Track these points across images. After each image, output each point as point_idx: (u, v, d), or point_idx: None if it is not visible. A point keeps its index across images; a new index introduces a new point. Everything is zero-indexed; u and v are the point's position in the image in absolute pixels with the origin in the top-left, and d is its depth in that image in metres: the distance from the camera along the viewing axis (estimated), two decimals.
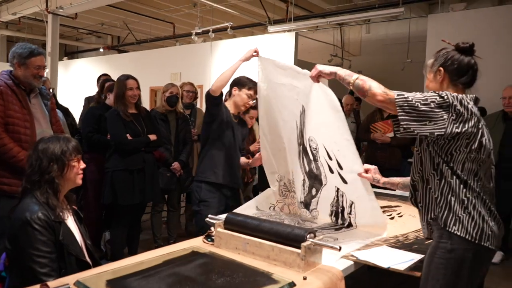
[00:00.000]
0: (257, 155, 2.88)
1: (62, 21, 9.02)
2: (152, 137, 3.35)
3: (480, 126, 1.58)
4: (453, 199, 1.57)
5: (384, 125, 4.45)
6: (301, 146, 2.41)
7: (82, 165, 1.89)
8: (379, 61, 9.20)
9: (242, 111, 2.98)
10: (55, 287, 1.33)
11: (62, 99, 8.82)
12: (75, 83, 11.26)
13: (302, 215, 2.52)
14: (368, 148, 4.87)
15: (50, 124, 2.75)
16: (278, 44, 7.31)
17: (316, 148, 2.32)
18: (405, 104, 1.55)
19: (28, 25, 10.61)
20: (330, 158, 2.25)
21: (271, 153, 2.67)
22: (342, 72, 1.83)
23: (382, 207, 2.83)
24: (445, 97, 1.55)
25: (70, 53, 14.65)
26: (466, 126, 1.53)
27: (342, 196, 2.29)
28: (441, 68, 1.69)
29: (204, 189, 2.76)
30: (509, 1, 6.31)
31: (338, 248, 1.61)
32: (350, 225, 2.30)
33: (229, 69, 2.62)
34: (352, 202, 2.24)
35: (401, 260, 1.76)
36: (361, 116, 5.92)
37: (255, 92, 2.77)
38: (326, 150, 2.25)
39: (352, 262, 1.77)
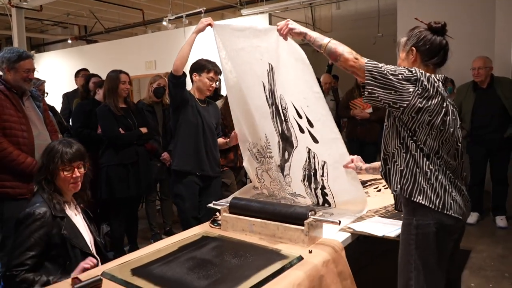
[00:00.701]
0: (232, 133, 2.81)
1: (26, 14, 8.72)
2: (144, 130, 3.42)
3: (444, 105, 1.61)
4: (417, 171, 1.62)
5: (363, 102, 4.64)
6: (273, 106, 2.34)
7: (77, 174, 1.88)
8: (351, 36, 9.29)
9: (208, 95, 2.89)
10: (86, 280, 1.44)
11: None
12: (47, 78, 10.98)
13: (282, 185, 2.48)
14: (348, 124, 5.05)
15: (45, 124, 2.78)
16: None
17: (285, 108, 2.27)
18: (374, 70, 1.58)
19: None
20: (300, 117, 2.20)
21: (243, 124, 2.60)
22: (313, 34, 1.81)
23: (367, 181, 3.04)
24: (413, 71, 1.59)
25: (36, 46, 14.19)
26: (430, 102, 1.57)
27: (314, 158, 2.25)
28: (413, 48, 1.70)
29: (176, 182, 2.77)
30: None
31: (338, 222, 1.78)
32: (326, 201, 2.33)
33: (185, 44, 2.54)
34: (324, 162, 2.21)
35: (392, 229, 1.94)
36: (339, 93, 6.08)
37: (216, 73, 2.76)
38: (295, 108, 2.20)
39: (350, 234, 1.94)
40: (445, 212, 1.59)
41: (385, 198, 2.55)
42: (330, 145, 2.15)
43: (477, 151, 4.23)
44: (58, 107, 4.67)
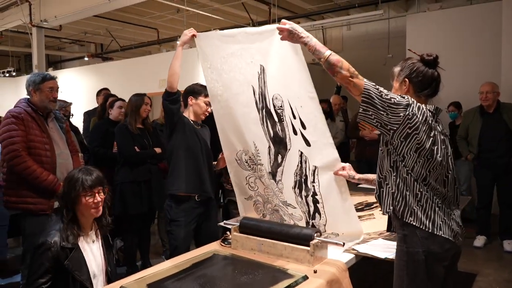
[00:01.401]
0: (220, 155, 2.75)
1: (45, 32, 9.04)
2: (158, 150, 3.56)
3: (432, 135, 1.65)
4: (407, 193, 1.67)
5: (357, 119, 4.74)
6: (263, 111, 2.27)
7: (98, 199, 1.94)
8: (361, 56, 9.44)
9: (202, 119, 2.87)
10: None
11: None
12: (64, 94, 11.28)
13: (274, 191, 2.36)
14: (357, 145, 5.14)
15: (67, 144, 2.93)
16: None
17: (281, 106, 2.20)
18: (371, 89, 1.63)
19: (10, 37, 10.59)
20: (294, 117, 2.16)
21: (231, 133, 2.47)
22: (315, 43, 1.77)
23: (373, 203, 3.11)
24: (406, 97, 1.66)
25: (53, 62, 14.61)
26: (418, 130, 1.62)
27: (306, 162, 2.18)
28: (406, 79, 1.75)
29: (174, 208, 2.67)
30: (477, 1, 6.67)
31: (342, 244, 1.87)
32: (317, 210, 2.19)
33: (174, 59, 2.52)
34: (315, 167, 2.14)
35: (394, 252, 2.02)
36: (349, 114, 6.19)
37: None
38: (291, 107, 2.15)
39: (354, 255, 2.03)
40: (435, 232, 1.64)
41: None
42: (321, 149, 2.10)
43: (484, 174, 4.29)
44: (75, 123, 4.84)
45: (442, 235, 1.65)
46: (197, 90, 2.77)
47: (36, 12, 8.21)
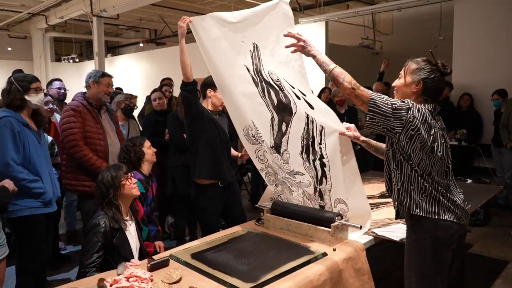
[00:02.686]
0: (243, 150, 2.96)
1: (104, 20, 9.64)
2: None
3: (432, 133, 1.80)
4: (411, 188, 1.85)
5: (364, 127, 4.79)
6: (262, 83, 2.40)
7: (133, 180, 2.39)
8: (412, 39, 9.22)
9: (220, 110, 3.00)
10: (157, 259, 1.91)
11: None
12: (121, 79, 12.00)
13: (278, 164, 2.49)
14: None
15: (116, 134, 3.35)
16: (308, 33, 7.64)
17: (278, 79, 2.35)
18: (377, 99, 1.79)
19: (73, 25, 11.38)
20: (293, 87, 2.32)
21: (234, 111, 2.59)
22: (322, 57, 1.95)
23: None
24: (406, 102, 1.79)
25: (111, 48, 15.49)
26: (420, 130, 1.77)
27: (313, 123, 2.29)
28: (421, 81, 1.84)
29: (199, 195, 2.88)
30: None
31: (359, 226, 2.13)
32: (324, 175, 2.31)
33: (180, 53, 2.62)
34: (322, 128, 2.26)
35: None
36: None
37: None
38: (287, 81, 2.32)
39: (372, 237, 2.27)
40: (440, 218, 1.82)
41: None
42: (325, 112, 2.24)
43: None
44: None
45: (448, 219, 1.82)
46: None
47: (96, 2, 8.80)
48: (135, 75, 11.59)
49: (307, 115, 2.31)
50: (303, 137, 2.34)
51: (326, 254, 2.01)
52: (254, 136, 2.56)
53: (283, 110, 2.40)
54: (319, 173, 2.34)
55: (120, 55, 13.64)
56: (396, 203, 1.95)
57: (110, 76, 3.30)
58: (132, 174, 2.49)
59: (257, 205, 2.72)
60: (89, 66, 12.18)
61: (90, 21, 9.15)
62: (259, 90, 2.43)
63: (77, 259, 3.82)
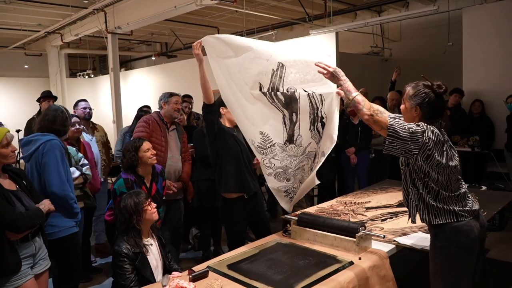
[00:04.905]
0: (255, 160, 3.20)
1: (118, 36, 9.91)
2: None
3: (444, 149, 1.97)
4: (430, 202, 2.01)
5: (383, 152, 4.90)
6: (272, 92, 2.66)
7: (153, 205, 2.56)
8: (420, 45, 9.33)
9: (235, 124, 3.06)
10: (198, 271, 2.07)
11: (125, 110, 9.83)
12: (134, 93, 12.23)
13: (289, 153, 2.79)
14: None
15: (180, 152, 3.73)
16: (319, 43, 7.79)
17: (291, 88, 2.68)
18: (396, 125, 1.95)
19: (86, 42, 11.70)
20: (305, 91, 2.69)
21: (240, 124, 2.82)
22: (348, 85, 2.19)
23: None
24: (421, 125, 1.96)
25: (123, 62, 15.80)
26: (435, 149, 1.94)
27: (313, 97, 2.69)
28: (417, 107, 2.03)
29: (228, 208, 3.03)
30: None
31: (383, 236, 2.27)
32: (319, 132, 2.81)
33: (200, 78, 2.78)
34: (321, 95, 2.71)
35: None
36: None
37: None
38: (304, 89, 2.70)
39: (394, 246, 2.41)
40: (460, 220, 1.97)
41: None
42: (321, 83, 2.65)
43: None
44: None
45: (466, 218, 1.98)
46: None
47: (110, 20, 9.06)
48: (148, 89, 11.84)
49: (307, 93, 2.69)
50: (310, 114, 2.74)
51: (353, 263, 2.16)
52: (259, 146, 2.78)
53: (290, 103, 2.71)
54: (321, 134, 2.81)
55: (133, 69, 13.91)
56: (414, 217, 2.11)
57: (177, 95, 3.77)
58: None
59: (282, 217, 2.87)
60: (104, 81, 12.49)
61: (105, 37, 9.41)
62: (269, 101, 2.70)
63: (107, 270, 4.00)
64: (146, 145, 3.14)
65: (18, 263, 2.19)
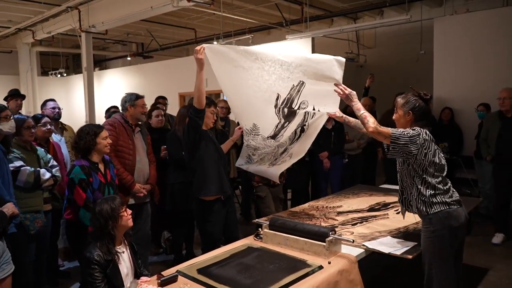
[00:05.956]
0: (236, 128, 3.45)
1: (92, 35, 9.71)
2: None
3: (436, 148, 2.39)
4: (425, 195, 2.36)
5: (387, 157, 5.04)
6: (282, 106, 2.94)
7: (128, 211, 2.49)
8: (394, 52, 9.54)
9: (211, 127, 3.29)
10: (167, 275, 2.05)
11: (99, 110, 9.62)
12: (109, 94, 12.00)
13: (268, 144, 3.13)
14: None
15: (146, 154, 3.64)
16: (295, 48, 7.88)
17: (304, 102, 2.94)
18: (398, 134, 2.33)
19: (59, 40, 11.42)
20: (313, 109, 2.97)
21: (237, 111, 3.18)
22: (358, 105, 2.54)
23: (390, 203, 3.48)
24: (416, 129, 2.36)
25: (97, 61, 15.49)
26: (430, 148, 2.35)
27: (309, 113, 3.00)
28: (410, 112, 2.43)
29: (205, 210, 3.07)
30: (509, 4, 6.68)
31: (352, 241, 2.30)
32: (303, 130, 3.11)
33: (199, 82, 2.83)
34: (315, 112, 3.02)
35: (399, 247, 2.43)
36: (377, 115, 6.48)
37: (215, 107, 3.28)
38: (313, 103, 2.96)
39: (363, 250, 2.44)
40: (451, 207, 2.35)
41: (402, 220, 2.99)
42: (331, 101, 2.92)
43: (502, 175, 4.54)
44: None
45: (455, 206, 2.38)
46: (205, 103, 3.05)
47: (84, 18, 8.87)
48: (123, 89, 11.64)
49: (307, 112, 3.00)
50: (299, 125, 3.04)
51: (322, 267, 2.18)
52: (246, 130, 3.14)
53: (290, 115, 3.01)
54: (296, 137, 3.12)
55: (108, 69, 13.69)
56: (413, 210, 2.45)
57: (143, 97, 3.65)
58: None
59: (254, 221, 2.88)
60: (77, 80, 12.21)
61: (78, 35, 9.21)
62: (276, 111, 2.97)
63: (75, 274, 3.89)
64: (105, 133, 3.04)
65: None
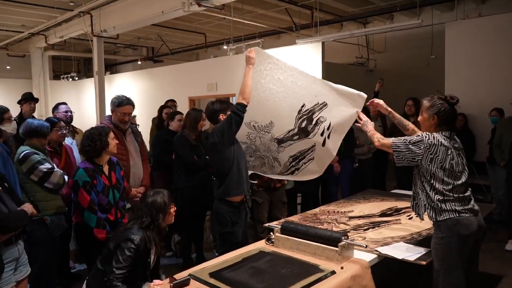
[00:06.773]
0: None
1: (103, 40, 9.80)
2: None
3: (449, 153, 2.33)
4: (435, 201, 2.34)
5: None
6: (303, 115, 3.33)
7: (174, 208, 2.49)
8: (404, 57, 9.48)
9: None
10: (179, 279, 2.05)
11: (109, 114, 9.69)
12: None
13: (270, 148, 3.47)
14: None
15: (140, 154, 3.51)
16: (305, 53, 7.87)
17: (323, 117, 3.30)
18: (398, 142, 2.40)
19: (71, 44, 11.54)
20: (328, 129, 3.31)
21: (252, 112, 3.26)
22: (370, 128, 2.76)
23: (401, 208, 3.45)
24: (419, 135, 2.38)
25: (108, 65, 15.63)
26: (438, 153, 2.31)
27: (312, 152, 3.43)
28: (435, 116, 2.40)
29: (233, 212, 3.07)
30: None
31: (365, 246, 2.28)
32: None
33: (248, 78, 2.98)
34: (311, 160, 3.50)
35: (413, 253, 2.40)
36: (387, 120, 6.43)
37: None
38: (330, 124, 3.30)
39: (376, 255, 2.42)
40: (461, 216, 2.29)
41: (414, 226, 2.97)
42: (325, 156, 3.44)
43: None
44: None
45: (466, 214, 2.31)
46: (223, 108, 3.18)
47: (96, 23, 8.96)
48: (133, 93, 11.72)
49: (313, 146, 3.45)
50: (300, 152, 3.46)
51: (335, 272, 2.16)
52: (259, 125, 3.40)
53: (302, 132, 3.37)
54: (292, 169, 3.56)
55: (119, 73, 13.78)
56: (423, 215, 2.44)
57: (128, 104, 3.43)
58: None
59: (266, 225, 2.87)
60: (88, 84, 12.33)
61: (90, 40, 9.31)
62: (299, 117, 3.35)
63: (87, 277, 3.90)
64: (112, 133, 3.04)
65: (0, 267, 2.13)
